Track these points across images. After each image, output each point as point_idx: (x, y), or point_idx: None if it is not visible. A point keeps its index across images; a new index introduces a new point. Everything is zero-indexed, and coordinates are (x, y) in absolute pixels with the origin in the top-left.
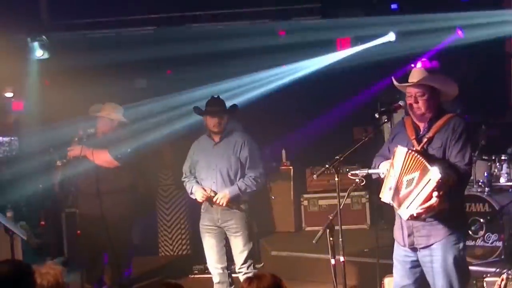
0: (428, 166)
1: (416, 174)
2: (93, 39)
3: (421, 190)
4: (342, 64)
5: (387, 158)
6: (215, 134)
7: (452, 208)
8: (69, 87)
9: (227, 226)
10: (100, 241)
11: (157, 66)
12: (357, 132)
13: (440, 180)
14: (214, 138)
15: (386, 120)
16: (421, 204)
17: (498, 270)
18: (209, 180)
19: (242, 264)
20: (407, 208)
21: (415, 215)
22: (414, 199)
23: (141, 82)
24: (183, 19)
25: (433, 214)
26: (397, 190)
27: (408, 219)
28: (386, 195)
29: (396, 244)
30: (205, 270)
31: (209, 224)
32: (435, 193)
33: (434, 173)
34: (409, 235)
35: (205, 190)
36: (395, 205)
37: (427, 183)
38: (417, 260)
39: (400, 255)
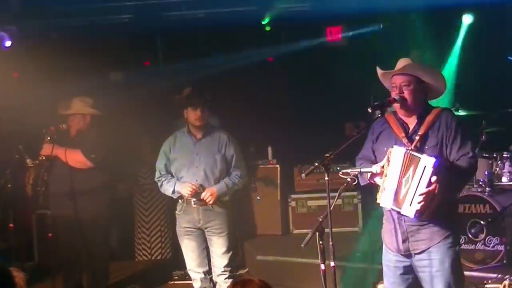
0: (418, 155)
1: (411, 170)
2: (65, 28)
3: (420, 181)
4: (333, 55)
5: (372, 161)
6: (197, 130)
7: (447, 209)
8: (39, 79)
9: (209, 227)
10: (75, 245)
11: (135, 57)
12: (349, 128)
13: (435, 164)
14: (196, 135)
15: (379, 115)
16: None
17: (499, 275)
18: (190, 179)
19: (225, 267)
20: (410, 205)
21: (419, 208)
22: (414, 193)
23: (116, 75)
24: (161, 7)
25: (434, 205)
26: (397, 193)
27: (415, 216)
28: (384, 200)
29: (385, 249)
30: (186, 276)
31: (188, 226)
32: (433, 178)
33: (427, 159)
34: (404, 241)
35: (192, 184)
36: (397, 208)
37: (423, 171)
38: (410, 266)
39: (391, 260)
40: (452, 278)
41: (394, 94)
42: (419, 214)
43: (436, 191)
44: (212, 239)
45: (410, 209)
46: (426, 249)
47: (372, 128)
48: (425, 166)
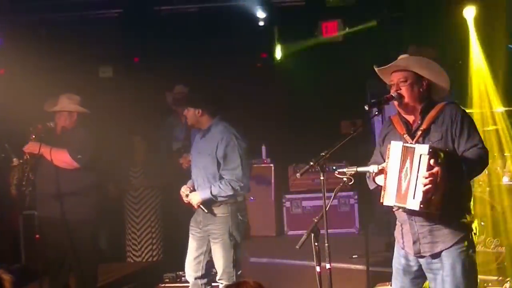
0: (412, 145)
1: (408, 163)
2: (53, 23)
3: (418, 171)
4: (329, 50)
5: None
6: (196, 129)
7: (460, 209)
8: (26, 76)
9: (208, 231)
10: (62, 246)
11: (124, 53)
12: (345, 126)
13: (430, 150)
14: (201, 132)
15: (376, 113)
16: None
17: (500, 278)
18: (194, 177)
19: (222, 274)
20: (413, 198)
21: (422, 198)
22: (416, 184)
23: (106, 71)
24: (152, 1)
25: (440, 195)
26: (398, 189)
27: (421, 209)
28: (387, 198)
29: (397, 251)
30: (177, 279)
31: (193, 226)
32: (432, 161)
33: (421, 147)
34: (414, 242)
35: (183, 190)
36: (401, 204)
37: (419, 160)
38: (420, 270)
39: (401, 263)
40: (463, 284)
41: (393, 92)
42: (425, 204)
43: (438, 176)
44: (211, 243)
45: (414, 202)
46: (437, 252)
47: (381, 129)
48: (420, 155)
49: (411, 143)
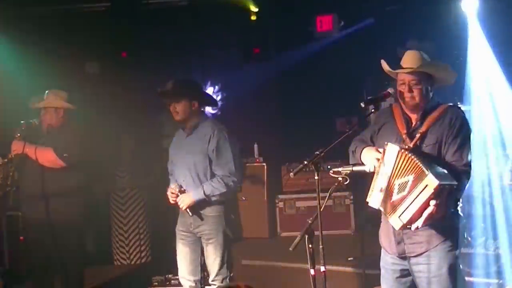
0: (426, 171)
1: (410, 178)
2: (38, 17)
3: (416, 197)
4: (323, 46)
5: (367, 145)
6: (185, 125)
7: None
8: (10, 72)
9: (200, 232)
10: (47, 249)
11: (111, 48)
12: (341, 124)
13: (438, 187)
14: (186, 130)
15: (373, 110)
16: (416, 212)
17: (501, 281)
18: (180, 178)
19: (216, 276)
20: (399, 217)
21: (407, 224)
22: (407, 207)
23: (92, 67)
24: None
25: (430, 223)
26: (387, 194)
27: (400, 229)
28: (374, 200)
29: (383, 251)
30: (166, 282)
31: (183, 230)
32: (432, 202)
33: (432, 180)
34: (398, 243)
35: (171, 190)
36: (383, 211)
37: (423, 189)
38: (407, 269)
39: (388, 263)
40: (450, 284)
41: (402, 89)
42: (404, 229)
43: (434, 213)
44: (203, 245)
45: (397, 220)
46: (423, 253)
47: (378, 115)
48: (426, 185)
49: (410, 149)
